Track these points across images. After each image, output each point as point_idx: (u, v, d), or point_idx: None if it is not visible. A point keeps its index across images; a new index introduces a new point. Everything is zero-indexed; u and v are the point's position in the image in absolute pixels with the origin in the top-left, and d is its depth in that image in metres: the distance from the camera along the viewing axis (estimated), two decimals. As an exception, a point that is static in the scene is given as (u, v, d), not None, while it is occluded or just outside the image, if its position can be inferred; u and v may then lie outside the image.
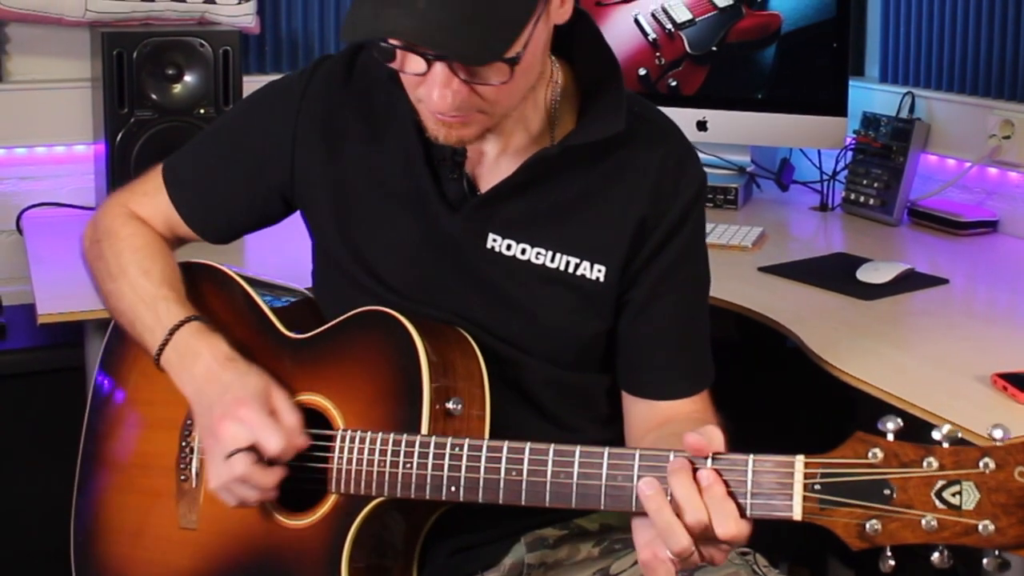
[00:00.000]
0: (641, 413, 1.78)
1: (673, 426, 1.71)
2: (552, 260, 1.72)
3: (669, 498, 1.39)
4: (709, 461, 1.38)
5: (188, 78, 2.91)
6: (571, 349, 1.76)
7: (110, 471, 1.86)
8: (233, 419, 1.62)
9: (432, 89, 1.53)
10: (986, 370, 2.07)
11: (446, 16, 1.44)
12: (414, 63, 1.53)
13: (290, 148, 1.80)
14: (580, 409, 1.80)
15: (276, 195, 1.84)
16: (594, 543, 1.80)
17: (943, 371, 2.12)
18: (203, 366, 1.70)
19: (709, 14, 3.35)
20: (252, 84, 2.86)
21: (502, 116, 1.63)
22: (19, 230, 3.12)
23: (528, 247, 1.72)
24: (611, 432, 1.82)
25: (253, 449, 1.60)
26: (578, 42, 1.72)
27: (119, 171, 2.83)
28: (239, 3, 3.16)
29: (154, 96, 2.87)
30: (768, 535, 1.47)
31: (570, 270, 1.72)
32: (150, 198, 1.89)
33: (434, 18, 1.44)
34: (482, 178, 1.74)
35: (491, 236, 1.72)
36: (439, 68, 1.51)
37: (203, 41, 2.91)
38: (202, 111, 2.90)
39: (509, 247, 1.72)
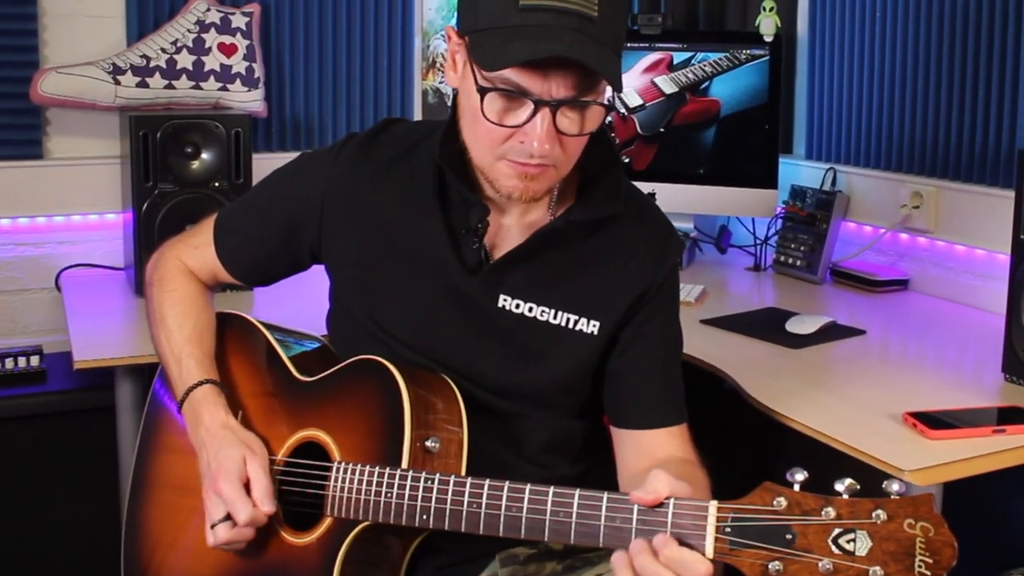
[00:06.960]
0: (630, 451, 1.78)
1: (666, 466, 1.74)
2: (555, 317, 1.75)
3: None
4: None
5: (205, 155, 2.92)
6: (563, 394, 1.79)
7: (154, 490, 1.88)
8: (214, 492, 1.67)
9: (532, 133, 1.56)
10: (898, 409, 2.09)
11: (591, 49, 1.51)
12: (517, 114, 1.57)
13: (319, 211, 1.81)
14: (558, 450, 1.82)
15: (306, 251, 1.87)
16: (557, 560, 1.81)
17: (861, 410, 2.13)
18: (203, 430, 1.74)
19: (657, 100, 3.38)
20: (260, 161, 2.91)
21: (562, 176, 1.67)
22: (58, 288, 3.13)
23: (535, 306, 1.75)
24: (580, 467, 1.85)
25: (229, 517, 1.65)
26: None
27: (145, 236, 2.84)
28: (249, 90, 3.18)
29: (175, 171, 2.88)
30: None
31: (569, 326, 1.75)
32: (200, 251, 1.93)
33: (582, 48, 1.50)
34: (496, 247, 1.76)
35: (502, 296, 1.74)
36: (542, 115, 1.55)
37: (218, 123, 2.93)
38: (217, 184, 2.91)
39: (518, 306, 1.75)
